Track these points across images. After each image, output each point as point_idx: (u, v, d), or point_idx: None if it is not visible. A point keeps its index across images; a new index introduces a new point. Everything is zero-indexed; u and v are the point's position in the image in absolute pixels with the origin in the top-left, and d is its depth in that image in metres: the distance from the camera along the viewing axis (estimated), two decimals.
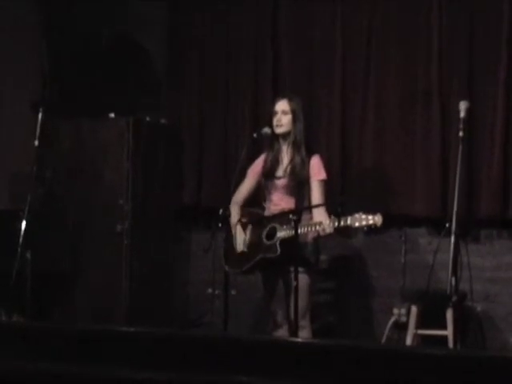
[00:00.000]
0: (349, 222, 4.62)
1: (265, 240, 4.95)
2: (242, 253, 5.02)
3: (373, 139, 5.99)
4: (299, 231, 4.73)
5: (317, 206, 4.94)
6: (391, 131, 5.95)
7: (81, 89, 6.56)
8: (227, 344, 2.91)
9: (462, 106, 4.92)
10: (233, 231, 5.06)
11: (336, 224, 4.66)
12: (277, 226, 4.90)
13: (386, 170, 5.97)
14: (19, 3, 6.39)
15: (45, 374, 2.93)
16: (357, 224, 4.61)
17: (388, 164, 5.97)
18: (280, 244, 4.86)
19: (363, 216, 4.60)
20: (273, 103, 5.16)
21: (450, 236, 4.67)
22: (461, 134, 4.82)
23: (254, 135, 5.15)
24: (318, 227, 4.76)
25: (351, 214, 4.63)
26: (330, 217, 4.78)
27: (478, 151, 5.67)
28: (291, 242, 4.75)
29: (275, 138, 5.10)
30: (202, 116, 6.55)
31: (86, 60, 6.63)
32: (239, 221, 5.07)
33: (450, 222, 4.73)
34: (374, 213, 4.61)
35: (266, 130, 5.09)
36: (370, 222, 4.58)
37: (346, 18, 6.08)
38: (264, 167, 5.14)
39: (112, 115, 6.18)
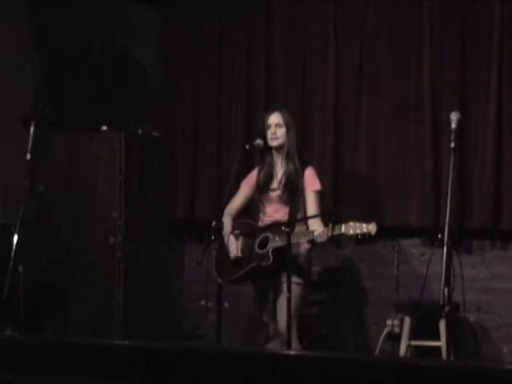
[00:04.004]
0: (343, 230, 4.63)
1: (257, 249, 4.96)
2: (235, 261, 5.02)
3: (365, 150, 6.00)
4: (292, 241, 4.74)
5: (311, 217, 4.96)
6: (384, 142, 5.96)
7: (73, 102, 6.56)
8: (220, 356, 2.91)
9: (454, 116, 4.95)
10: (225, 240, 5.07)
11: (329, 232, 4.67)
12: (269, 235, 4.91)
13: (379, 181, 5.98)
14: (11, 15, 6.40)
15: None
16: (351, 232, 4.61)
17: (381, 175, 5.97)
18: (272, 253, 4.87)
19: (357, 224, 4.61)
20: (265, 117, 5.18)
21: (442, 247, 4.68)
22: (452, 144, 4.84)
23: (247, 147, 5.16)
24: (311, 235, 4.78)
25: (345, 222, 4.64)
26: (325, 226, 4.79)
27: (469, 162, 5.68)
28: (283, 252, 4.75)
29: (268, 151, 5.13)
30: (194, 128, 6.56)
31: (78, 73, 6.64)
32: (232, 232, 5.08)
33: (443, 232, 4.74)
34: (368, 221, 4.62)
35: (259, 141, 5.11)
36: (364, 230, 4.59)
37: (339, 29, 6.10)
38: (258, 181, 5.16)
39: (104, 128, 6.18)
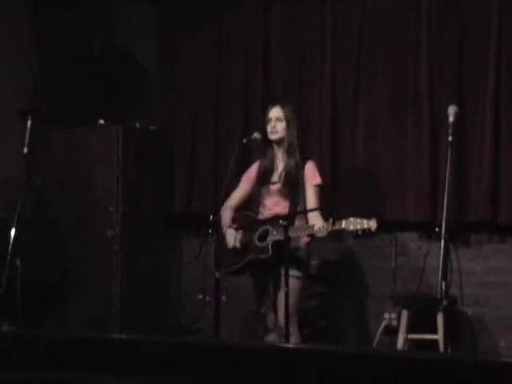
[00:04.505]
0: (343, 225, 4.62)
1: (257, 242, 4.96)
2: (234, 252, 5.01)
3: (363, 145, 6.01)
4: (292, 234, 4.75)
5: (311, 210, 4.96)
6: (382, 137, 5.96)
7: (71, 96, 6.55)
8: (218, 350, 2.91)
9: (451, 110, 4.94)
10: (224, 230, 5.06)
11: (330, 227, 4.67)
12: (269, 228, 4.91)
13: (377, 175, 5.98)
14: (9, 12, 6.39)
15: (36, 383, 2.93)
16: (351, 227, 4.60)
17: (378, 169, 5.98)
18: (272, 246, 4.87)
19: (358, 220, 4.60)
20: (266, 110, 5.19)
21: (440, 240, 4.69)
22: (450, 138, 4.84)
23: (244, 141, 5.17)
24: (311, 230, 4.78)
25: (346, 217, 4.63)
26: (325, 221, 4.80)
27: (467, 156, 5.68)
28: (283, 245, 4.75)
29: (269, 144, 5.13)
30: (192, 123, 6.56)
31: (76, 67, 6.63)
32: (230, 226, 5.07)
33: (440, 226, 4.75)
34: (368, 217, 4.61)
35: (256, 135, 5.11)
36: (365, 226, 4.58)
37: (337, 26, 6.10)
38: (258, 174, 5.17)
39: (102, 122, 6.18)
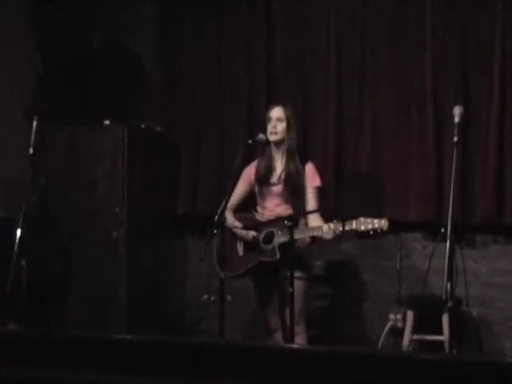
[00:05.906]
0: (354, 226, 4.57)
1: (262, 244, 4.94)
2: (253, 242, 4.98)
3: (368, 145, 6.00)
4: (299, 236, 4.73)
5: (312, 211, 4.94)
6: (386, 137, 5.96)
7: (75, 96, 6.56)
8: (223, 350, 2.91)
9: (457, 110, 4.92)
10: (233, 228, 5.02)
11: (340, 228, 4.63)
12: (274, 230, 4.89)
13: (381, 175, 5.98)
14: (11, 12, 6.40)
15: (41, 382, 2.93)
16: (362, 228, 4.55)
17: (383, 169, 5.97)
18: (279, 248, 4.85)
19: (369, 220, 4.54)
20: (267, 110, 5.16)
21: (445, 241, 4.68)
22: (455, 138, 4.82)
23: (249, 142, 5.15)
24: (319, 231, 4.74)
25: (356, 217, 4.59)
26: (325, 222, 4.77)
27: (472, 156, 5.68)
28: (289, 247, 4.73)
29: (268, 144, 5.11)
30: (196, 123, 6.56)
31: (81, 67, 6.64)
32: (237, 225, 5.05)
33: (445, 227, 4.74)
34: (379, 217, 4.58)
35: (261, 136, 5.09)
36: (376, 226, 4.53)
37: (340, 25, 6.10)
38: (257, 173, 5.14)
39: (107, 122, 6.18)
